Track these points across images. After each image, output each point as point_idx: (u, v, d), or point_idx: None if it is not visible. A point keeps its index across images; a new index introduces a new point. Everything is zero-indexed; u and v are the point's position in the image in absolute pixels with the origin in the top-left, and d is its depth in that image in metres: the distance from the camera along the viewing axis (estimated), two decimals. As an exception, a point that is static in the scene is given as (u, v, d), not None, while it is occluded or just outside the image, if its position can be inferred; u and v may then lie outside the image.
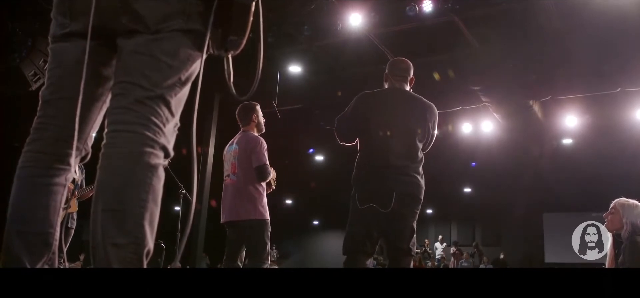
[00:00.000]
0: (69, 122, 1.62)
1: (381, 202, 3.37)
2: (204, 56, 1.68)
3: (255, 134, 4.63)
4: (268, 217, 4.45)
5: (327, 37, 9.17)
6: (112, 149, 1.56)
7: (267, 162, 4.47)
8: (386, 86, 3.76)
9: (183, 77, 1.65)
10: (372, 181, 3.46)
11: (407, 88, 3.72)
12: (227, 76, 1.81)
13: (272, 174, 4.58)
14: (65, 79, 1.67)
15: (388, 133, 3.51)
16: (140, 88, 1.57)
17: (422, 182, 3.54)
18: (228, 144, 4.72)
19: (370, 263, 16.23)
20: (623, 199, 4.05)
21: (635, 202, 4.02)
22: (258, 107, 4.73)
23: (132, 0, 1.59)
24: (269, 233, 4.43)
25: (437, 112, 3.70)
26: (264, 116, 4.77)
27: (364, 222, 3.44)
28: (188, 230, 1.70)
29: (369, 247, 3.46)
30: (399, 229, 3.44)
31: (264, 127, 4.72)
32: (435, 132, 3.71)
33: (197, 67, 1.69)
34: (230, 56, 1.79)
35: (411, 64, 3.78)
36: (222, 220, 4.56)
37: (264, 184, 4.51)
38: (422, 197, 3.54)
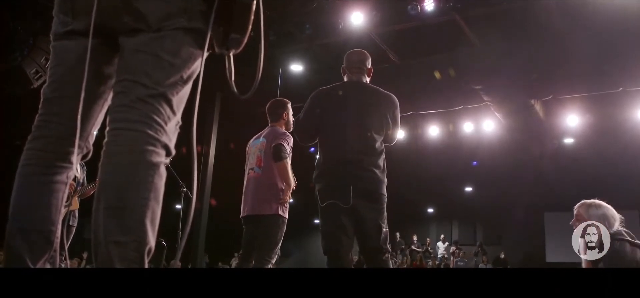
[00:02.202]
0: (71, 120, 1.62)
1: (341, 198, 3.31)
2: (205, 55, 1.68)
3: (283, 130, 4.55)
4: (286, 216, 4.37)
5: (329, 36, 9.17)
6: (114, 147, 1.56)
7: (287, 151, 4.36)
8: (345, 80, 3.69)
9: (185, 76, 1.65)
10: (330, 178, 3.40)
11: (366, 80, 3.64)
12: (228, 75, 1.81)
13: (293, 181, 4.47)
14: (66, 77, 1.68)
15: (343, 128, 3.44)
16: (142, 86, 1.57)
17: (382, 176, 3.43)
18: (253, 138, 4.65)
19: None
20: (585, 201, 3.87)
21: (598, 201, 3.84)
22: (289, 105, 4.67)
23: None
24: (283, 232, 4.34)
25: (396, 101, 3.58)
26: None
27: (331, 218, 3.36)
28: (188, 228, 1.70)
29: (346, 240, 3.38)
30: (366, 227, 3.35)
31: (292, 126, 4.60)
32: (398, 122, 3.60)
33: (198, 65, 1.69)
34: (231, 55, 1.79)
35: (368, 55, 3.70)
36: (242, 214, 4.45)
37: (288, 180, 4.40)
38: (384, 192, 3.42)
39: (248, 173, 4.53)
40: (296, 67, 10.52)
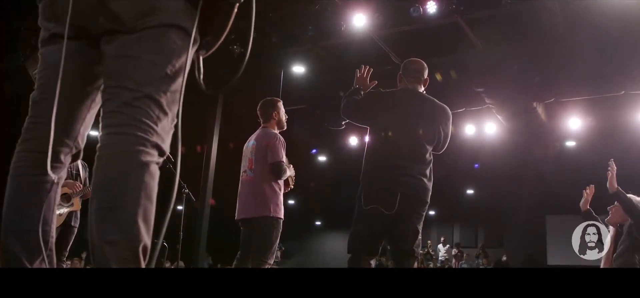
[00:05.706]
0: (59, 122, 1.65)
1: (385, 203, 3.38)
2: (191, 51, 1.67)
3: (275, 130, 4.55)
4: (281, 217, 4.36)
5: (331, 38, 9.16)
6: (104, 151, 1.59)
7: (283, 159, 4.38)
8: (400, 87, 3.75)
9: (169, 72, 1.64)
10: (378, 182, 3.47)
11: (421, 89, 3.72)
12: (197, 74, 1.82)
13: (291, 172, 4.50)
14: (52, 79, 1.69)
15: (396, 133, 3.52)
16: (127, 90, 1.59)
17: (429, 184, 3.53)
18: (248, 140, 4.66)
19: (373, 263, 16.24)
20: (630, 195, 4.20)
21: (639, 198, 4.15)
22: (280, 104, 4.65)
23: None
24: (279, 233, 4.34)
25: (450, 113, 3.70)
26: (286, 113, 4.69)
27: (369, 222, 3.45)
28: (171, 206, 1.64)
29: (374, 246, 3.49)
30: (403, 231, 3.45)
31: (285, 124, 4.64)
32: (449, 134, 3.70)
33: (184, 61, 1.68)
34: (201, 56, 1.80)
35: (425, 65, 3.79)
36: (236, 217, 4.49)
37: (281, 182, 4.42)
38: (428, 200, 3.53)
39: (242, 176, 4.54)
40: (298, 69, 10.51)
